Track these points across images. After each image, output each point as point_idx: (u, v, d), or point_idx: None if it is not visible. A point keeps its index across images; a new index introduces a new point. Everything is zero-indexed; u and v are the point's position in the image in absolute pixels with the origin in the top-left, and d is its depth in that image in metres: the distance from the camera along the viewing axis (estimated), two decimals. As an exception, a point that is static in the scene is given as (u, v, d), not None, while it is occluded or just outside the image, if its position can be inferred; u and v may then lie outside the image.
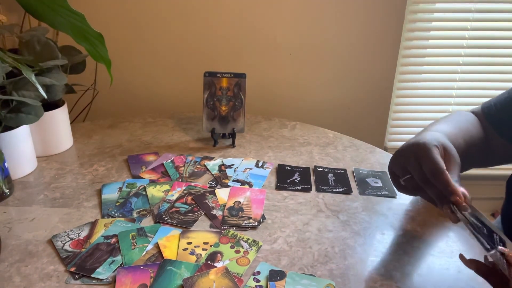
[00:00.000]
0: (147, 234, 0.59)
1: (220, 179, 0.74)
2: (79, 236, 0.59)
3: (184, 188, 0.71)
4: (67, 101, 0.86)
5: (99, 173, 0.76)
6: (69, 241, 0.58)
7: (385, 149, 1.32)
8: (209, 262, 0.54)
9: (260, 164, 0.80)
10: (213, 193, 0.70)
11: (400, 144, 0.69)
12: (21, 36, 0.78)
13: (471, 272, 0.47)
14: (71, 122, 0.88)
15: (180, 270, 0.52)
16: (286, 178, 0.75)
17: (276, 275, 0.51)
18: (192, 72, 1.15)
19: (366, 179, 0.75)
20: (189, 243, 0.57)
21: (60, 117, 0.82)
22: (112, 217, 0.63)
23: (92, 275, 0.51)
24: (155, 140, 0.90)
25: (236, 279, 0.50)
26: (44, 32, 0.80)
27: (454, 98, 1.29)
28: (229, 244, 0.57)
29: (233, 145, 0.88)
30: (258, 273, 0.52)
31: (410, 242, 0.59)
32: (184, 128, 0.97)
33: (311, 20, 1.13)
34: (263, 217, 0.64)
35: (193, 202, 0.67)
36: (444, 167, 0.50)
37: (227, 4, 1.10)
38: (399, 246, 0.58)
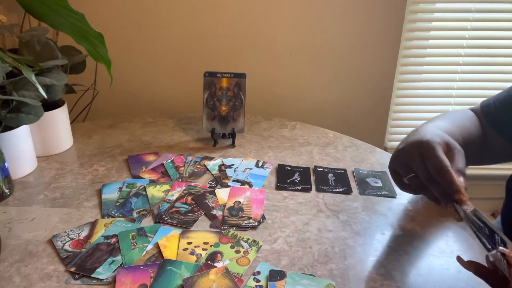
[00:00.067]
0: (147, 234, 0.59)
1: (220, 179, 0.74)
2: (79, 236, 0.59)
3: (184, 188, 0.71)
4: (67, 101, 0.86)
5: (99, 173, 0.76)
6: (69, 241, 0.58)
7: (385, 149, 1.32)
8: (209, 262, 0.54)
9: (260, 164, 0.80)
10: (213, 193, 0.70)
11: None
12: (21, 36, 0.78)
13: (471, 272, 0.47)
14: (71, 122, 0.88)
15: (180, 270, 0.52)
16: (286, 178, 0.75)
17: (276, 275, 0.51)
18: (192, 72, 1.15)
19: (366, 179, 0.75)
20: (189, 243, 0.57)
21: (60, 117, 0.82)
22: (112, 217, 0.63)
23: (92, 275, 0.51)
24: (155, 140, 0.90)
25: (236, 279, 0.50)
26: (44, 32, 0.80)
27: (454, 98, 1.29)
28: (229, 244, 0.57)
29: (233, 145, 0.88)
30: (258, 273, 0.52)
31: (410, 242, 0.59)
32: (184, 128, 0.97)
33: (311, 20, 1.13)
34: (263, 217, 0.64)
35: (193, 202, 0.67)
36: (449, 165, 0.50)
37: (227, 4, 1.10)
38: (399, 246, 0.58)
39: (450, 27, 1.21)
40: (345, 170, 0.78)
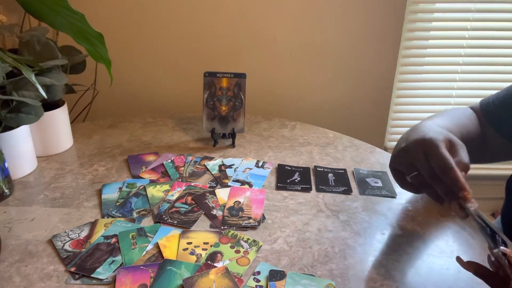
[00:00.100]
0: (147, 234, 0.59)
1: (220, 179, 0.74)
2: (79, 236, 0.59)
3: (184, 188, 0.71)
4: (67, 101, 0.86)
5: (99, 173, 0.76)
6: (69, 241, 0.58)
7: (385, 149, 1.32)
8: (209, 262, 0.54)
9: (260, 164, 0.80)
10: (213, 193, 0.70)
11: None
12: (21, 36, 0.78)
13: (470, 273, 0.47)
14: (71, 122, 0.88)
15: (180, 270, 0.52)
16: (286, 178, 0.75)
17: (276, 275, 0.51)
18: (192, 72, 1.15)
19: (366, 179, 0.75)
20: (189, 243, 0.57)
21: (60, 117, 0.82)
22: (112, 217, 0.63)
23: (92, 275, 0.51)
24: (155, 140, 0.90)
25: (236, 279, 0.50)
26: (44, 32, 0.80)
27: (454, 98, 1.29)
28: (229, 244, 0.57)
29: (233, 145, 0.88)
30: (258, 273, 0.52)
31: (410, 242, 0.59)
32: (184, 128, 0.97)
33: (311, 20, 1.13)
34: (263, 217, 0.64)
35: (193, 202, 0.67)
36: (453, 163, 0.50)
37: (227, 4, 1.10)
38: (399, 246, 0.58)
39: (450, 27, 1.21)
40: (345, 170, 0.78)
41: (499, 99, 0.70)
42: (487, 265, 0.48)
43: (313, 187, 0.73)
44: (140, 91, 1.19)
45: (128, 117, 1.03)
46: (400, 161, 0.57)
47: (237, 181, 0.74)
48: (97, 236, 0.58)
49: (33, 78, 0.64)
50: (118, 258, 0.54)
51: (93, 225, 0.61)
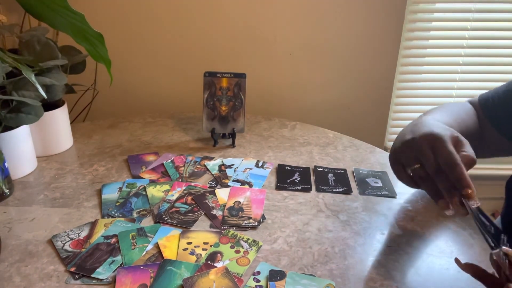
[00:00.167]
0: (147, 234, 0.59)
1: (220, 179, 0.74)
2: (79, 236, 0.59)
3: (184, 188, 0.71)
4: (67, 101, 0.86)
5: (99, 173, 0.76)
6: (69, 241, 0.58)
7: (385, 149, 1.32)
8: (209, 262, 0.54)
9: (260, 164, 0.80)
10: (213, 193, 0.70)
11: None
12: (21, 36, 0.78)
13: None
14: (71, 122, 0.88)
15: (180, 270, 0.52)
16: (286, 178, 0.75)
17: (276, 275, 0.51)
18: (192, 72, 1.15)
19: (366, 179, 0.75)
20: (189, 243, 0.57)
21: (60, 117, 0.82)
22: (112, 217, 0.63)
23: (92, 275, 0.51)
24: (155, 140, 0.90)
25: (236, 279, 0.50)
26: (44, 32, 0.80)
27: (454, 98, 1.29)
28: (229, 244, 0.57)
29: (233, 145, 0.88)
30: (258, 273, 0.52)
31: (410, 242, 0.59)
32: (184, 128, 0.97)
33: (311, 20, 1.13)
34: (263, 217, 0.64)
35: (193, 202, 0.67)
36: (460, 160, 0.50)
37: (227, 4, 1.10)
38: (399, 246, 0.58)
39: (450, 27, 1.21)
40: (345, 170, 0.78)
41: (498, 94, 0.70)
42: (486, 265, 0.48)
43: (313, 187, 0.73)
44: (140, 91, 1.19)
45: (128, 117, 1.03)
46: (405, 152, 0.57)
47: (237, 181, 0.74)
48: (97, 236, 0.58)
49: (33, 78, 0.64)
50: (118, 258, 0.54)
51: (93, 225, 0.61)
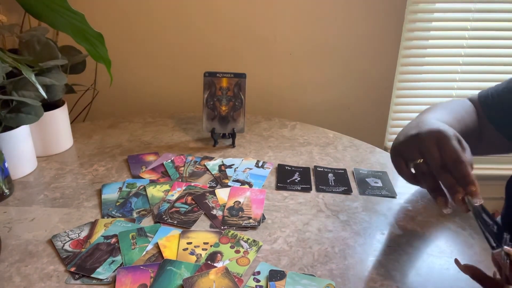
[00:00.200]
0: (147, 234, 0.59)
1: (220, 179, 0.74)
2: (79, 236, 0.59)
3: (184, 188, 0.71)
4: (67, 101, 0.86)
5: (99, 173, 0.76)
6: (69, 241, 0.58)
7: (385, 149, 1.32)
8: (209, 262, 0.54)
9: (260, 164, 0.80)
10: (213, 193, 0.70)
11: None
12: (21, 36, 0.78)
13: None
14: (71, 122, 0.88)
15: (180, 270, 0.52)
16: (286, 178, 0.75)
17: (276, 275, 0.51)
18: (192, 72, 1.15)
19: (366, 179, 0.75)
20: (189, 243, 0.57)
21: (60, 117, 0.82)
22: (112, 217, 0.63)
23: (92, 275, 0.51)
24: (155, 140, 0.90)
25: (236, 279, 0.50)
26: (44, 32, 0.80)
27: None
28: (229, 244, 0.57)
29: (233, 145, 0.88)
30: (258, 273, 0.52)
31: (410, 242, 0.59)
32: (184, 128, 0.97)
33: (311, 20, 1.13)
34: (263, 217, 0.64)
35: (193, 202, 0.67)
36: (465, 157, 0.51)
37: (227, 4, 1.10)
38: (399, 246, 0.58)
39: (450, 27, 1.21)
40: (345, 170, 0.78)
41: (498, 92, 0.70)
42: (486, 265, 0.48)
43: (313, 187, 0.73)
44: (140, 91, 1.19)
45: (128, 117, 1.03)
46: (409, 147, 0.57)
47: (237, 181, 0.74)
48: (97, 236, 0.58)
49: (33, 78, 0.64)
50: (118, 258, 0.54)
51: (93, 225, 0.61)
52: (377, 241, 0.59)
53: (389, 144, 1.33)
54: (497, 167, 1.38)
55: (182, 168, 0.78)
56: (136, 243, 0.57)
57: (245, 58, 1.17)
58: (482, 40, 1.23)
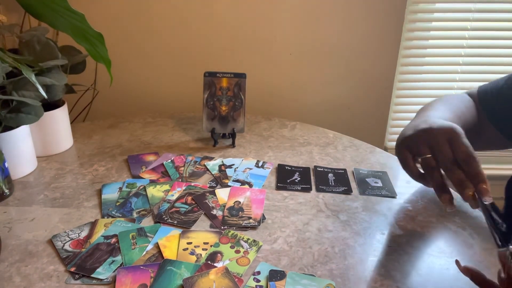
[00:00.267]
0: (147, 234, 0.59)
1: (220, 179, 0.74)
2: (79, 236, 0.59)
3: (184, 188, 0.71)
4: (67, 101, 0.86)
5: (99, 173, 0.76)
6: (69, 241, 0.58)
7: (385, 149, 1.32)
8: (209, 262, 0.54)
9: (260, 164, 0.80)
10: (213, 193, 0.70)
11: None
12: (21, 36, 0.78)
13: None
14: (71, 122, 0.88)
15: (180, 270, 0.52)
16: (286, 178, 0.75)
17: (276, 275, 0.51)
18: (192, 72, 1.15)
19: (366, 179, 0.75)
20: (189, 243, 0.57)
21: (60, 117, 0.82)
22: (112, 217, 0.63)
23: (92, 275, 0.51)
24: (155, 140, 0.90)
25: (236, 279, 0.50)
26: (44, 32, 0.80)
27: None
28: (229, 244, 0.57)
29: (233, 145, 0.88)
30: (258, 273, 0.52)
31: (410, 242, 0.59)
32: (184, 128, 0.97)
33: (311, 20, 1.13)
34: (263, 217, 0.64)
35: (193, 202, 0.67)
36: (477, 155, 0.51)
37: (227, 4, 1.10)
38: (399, 246, 0.58)
39: (450, 27, 1.21)
40: (345, 170, 0.78)
41: (497, 88, 0.70)
42: (486, 265, 0.48)
43: (313, 187, 0.73)
44: (140, 91, 1.19)
45: (128, 117, 1.03)
46: (419, 140, 0.56)
47: (237, 181, 0.74)
48: (97, 236, 0.58)
49: (33, 78, 0.64)
50: (118, 258, 0.54)
51: (93, 225, 0.61)
52: (377, 241, 0.59)
53: (389, 144, 1.33)
54: (497, 167, 1.38)
55: (182, 168, 0.78)
56: (136, 243, 0.57)
57: (245, 58, 1.17)
58: (482, 40, 1.23)
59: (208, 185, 0.73)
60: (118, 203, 0.66)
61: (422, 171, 0.58)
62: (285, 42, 1.15)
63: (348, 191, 0.71)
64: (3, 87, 0.71)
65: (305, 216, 0.64)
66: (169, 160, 0.80)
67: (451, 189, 0.54)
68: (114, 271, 0.52)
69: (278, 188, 0.72)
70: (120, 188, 0.71)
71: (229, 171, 0.77)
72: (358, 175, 0.77)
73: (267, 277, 0.51)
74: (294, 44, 1.16)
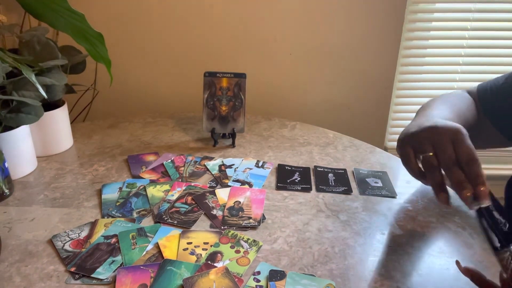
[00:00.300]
0: (147, 234, 0.59)
1: (220, 179, 0.74)
2: (79, 236, 0.59)
3: (184, 188, 0.71)
4: (67, 101, 0.86)
5: (99, 173, 0.76)
6: (69, 241, 0.58)
7: (385, 149, 1.32)
8: (209, 262, 0.54)
9: (260, 164, 0.80)
10: (213, 193, 0.70)
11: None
12: (21, 36, 0.78)
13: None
14: (71, 122, 0.88)
15: (180, 270, 0.52)
16: (286, 178, 0.75)
17: (276, 275, 0.51)
18: (192, 72, 1.15)
19: (366, 179, 0.75)
20: (189, 243, 0.57)
21: (60, 117, 0.82)
22: (112, 217, 0.63)
23: (92, 275, 0.51)
24: (155, 140, 0.90)
25: (236, 279, 0.50)
26: (44, 32, 0.80)
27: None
28: (229, 244, 0.57)
29: (233, 145, 0.88)
30: (258, 273, 0.52)
31: (410, 242, 0.59)
32: (184, 128, 0.97)
33: (311, 20, 1.13)
34: (263, 217, 0.64)
35: (193, 202, 0.67)
36: (478, 157, 0.51)
37: (227, 4, 1.10)
38: (399, 246, 0.58)
39: (450, 27, 1.21)
40: (345, 170, 0.78)
41: (497, 86, 0.70)
42: (486, 265, 0.48)
43: (313, 187, 0.73)
44: (140, 91, 1.19)
45: (128, 117, 1.03)
46: (422, 137, 0.56)
47: (237, 181, 0.74)
48: (97, 236, 0.58)
49: (33, 78, 0.64)
50: (118, 258, 0.54)
51: (93, 225, 0.61)
52: (377, 241, 0.59)
53: (389, 144, 1.33)
54: (497, 167, 1.38)
55: (182, 168, 0.78)
56: (136, 243, 0.57)
57: (245, 58, 1.17)
58: (482, 40, 1.23)
59: (208, 185, 0.73)
60: (118, 203, 0.66)
61: (422, 169, 0.58)
62: (285, 42, 1.15)
63: (348, 191, 0.71)
64: (3, 87, 0.71)
65: (305, 216, 0.64)
66: (169, 160, 0.80)
67: (449, 189, 0.54)
68: (114, 271, 0.52)
69: (278, 188, 0.72)
70: (120, 188, 0.71)
71: (229, 171, 0.77)
72: (358, 175, 0.77)
73: (267, 277, 0.51)
74: (294, 44, 1.16)
